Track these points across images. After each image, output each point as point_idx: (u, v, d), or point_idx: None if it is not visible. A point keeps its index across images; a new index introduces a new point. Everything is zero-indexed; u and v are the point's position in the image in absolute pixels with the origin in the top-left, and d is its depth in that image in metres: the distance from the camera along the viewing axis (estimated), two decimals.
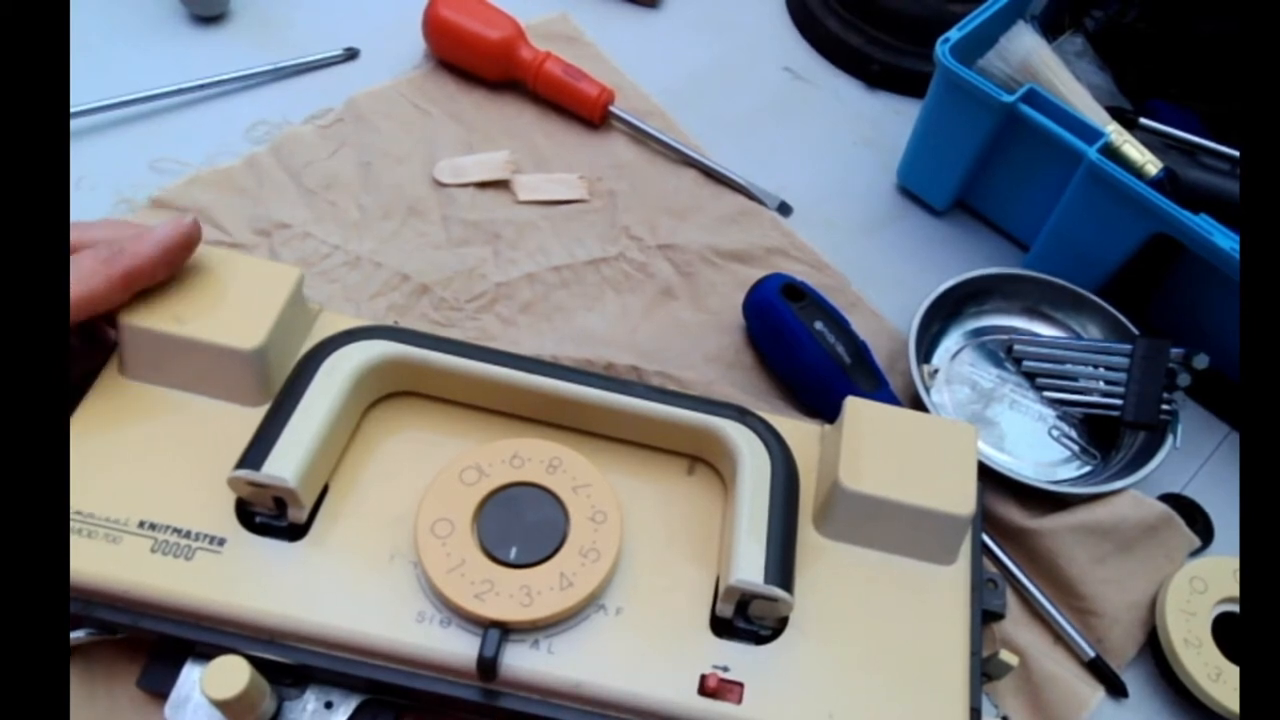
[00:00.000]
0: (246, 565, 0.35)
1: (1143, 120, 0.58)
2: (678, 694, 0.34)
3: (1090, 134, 0.51)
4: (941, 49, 0.53)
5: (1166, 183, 0.52)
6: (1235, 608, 0.45)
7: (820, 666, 0.36)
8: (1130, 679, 0.45)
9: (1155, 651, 0.45)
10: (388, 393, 0.40)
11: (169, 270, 0.37)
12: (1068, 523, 0.46)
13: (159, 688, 0.35)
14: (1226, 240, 0.47)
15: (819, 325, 0.49)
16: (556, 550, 0.35)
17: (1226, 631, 0.44)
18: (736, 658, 0.35)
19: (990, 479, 0.47)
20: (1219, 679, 0.43)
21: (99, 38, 0.60)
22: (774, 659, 0.35)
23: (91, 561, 0.34)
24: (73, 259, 0.35)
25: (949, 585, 0.39)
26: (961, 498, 0.38)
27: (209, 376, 0.38)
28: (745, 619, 0.36)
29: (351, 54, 0.62)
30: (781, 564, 0.35)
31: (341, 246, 0.53)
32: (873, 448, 0.39)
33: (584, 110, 0.60)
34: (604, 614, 0.36)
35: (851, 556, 0.39)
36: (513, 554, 0.35)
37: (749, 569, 0.34)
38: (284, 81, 0.60)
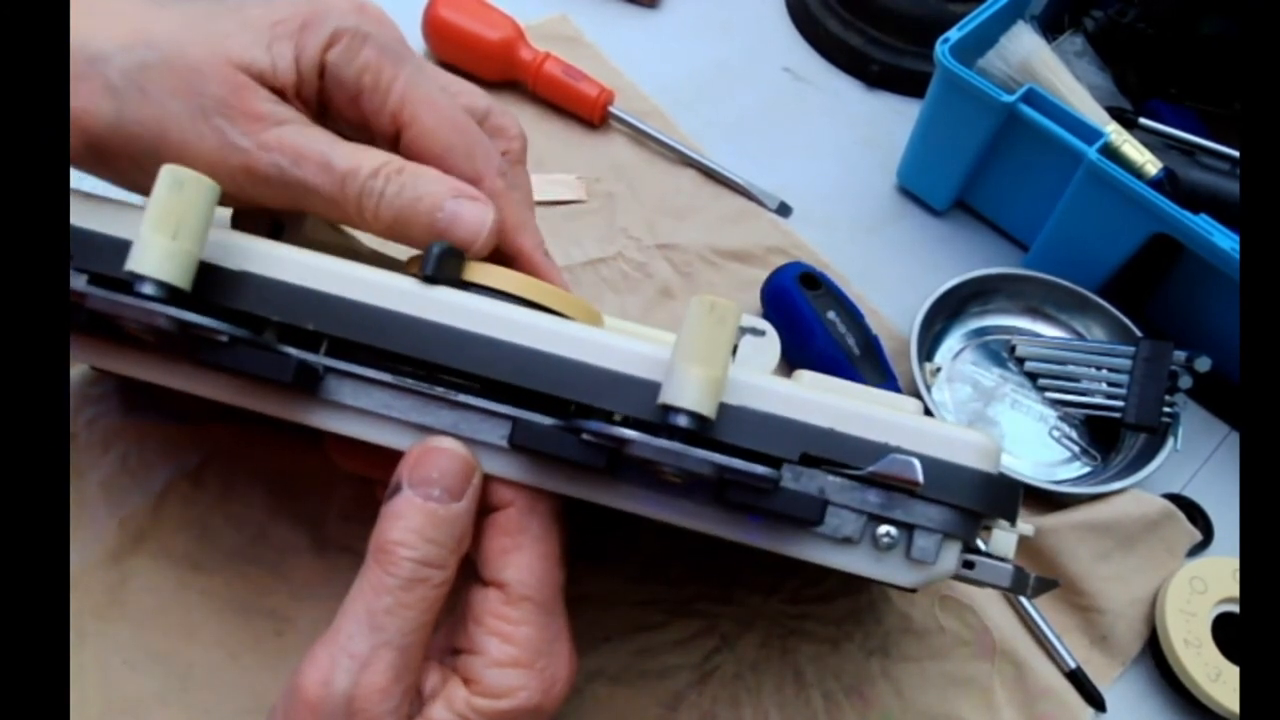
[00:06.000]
0: None
1: (1142, 120, 0.58)
2: None
3: (1090, 134, 0.51)
4: (941, 49, 0.53)
5: (1166, 183, 0.52)
6: (1235, 608, 0.45)
7: None
8: (1129, 679, 0.45)
9: (1155, 652, 0.45)
10: None
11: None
12: (1069, 521, 0.46)
13: None
14: (1226, 240, 0.47)
15: (831, 315, 0.50)
16: None
17: (1226, 632, 0.44)
18: None
19: None
20: (1219, 679, 0.43)
21: None
22: None
23: None
24: None
25: None
26: None
27: None
28: None
29: None
30: None
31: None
32: None
33: (583, 111, 0.60)
34: None
35: None
36: None
37: None
38: None
